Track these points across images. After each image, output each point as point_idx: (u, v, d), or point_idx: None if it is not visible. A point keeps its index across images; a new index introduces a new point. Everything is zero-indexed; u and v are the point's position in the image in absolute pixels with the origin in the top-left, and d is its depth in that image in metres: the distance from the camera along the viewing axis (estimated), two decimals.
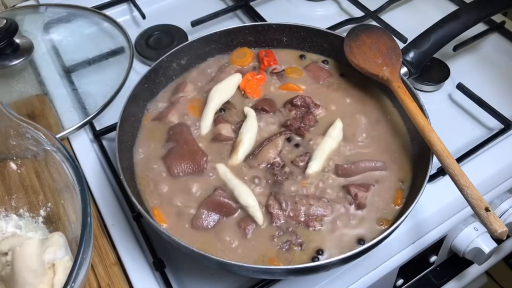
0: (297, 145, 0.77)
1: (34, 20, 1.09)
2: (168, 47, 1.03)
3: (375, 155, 0.76)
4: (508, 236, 0.95)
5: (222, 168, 0.74)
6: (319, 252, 0.67)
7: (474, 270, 1.01)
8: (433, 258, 0.91)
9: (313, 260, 0.66)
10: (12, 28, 0.95)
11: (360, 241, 0.68)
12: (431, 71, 0.96)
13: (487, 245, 0.87)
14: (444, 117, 0.92)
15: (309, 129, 0.79)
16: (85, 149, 0.89)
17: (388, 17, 1.09)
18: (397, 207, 0.71)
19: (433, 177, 0.82)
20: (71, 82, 0.98)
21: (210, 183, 0.73)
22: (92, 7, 1.11)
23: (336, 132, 0.77)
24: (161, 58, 0.85)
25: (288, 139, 0.78)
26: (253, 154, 0.76)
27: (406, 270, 0.87)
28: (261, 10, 1.12)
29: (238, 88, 0.85)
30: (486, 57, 1.04)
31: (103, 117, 0.92)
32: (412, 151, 0.76)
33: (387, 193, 0.72)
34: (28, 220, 0.76)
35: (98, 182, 0.84)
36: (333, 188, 0.72)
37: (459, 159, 0.83)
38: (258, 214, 0.69)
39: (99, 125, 0.91)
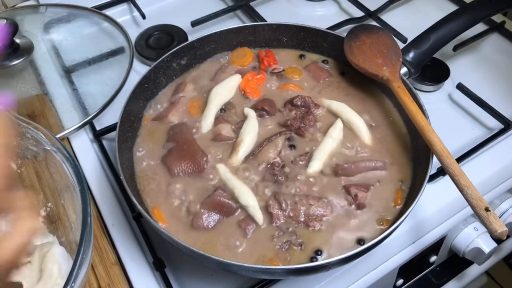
0: (297, 145, 0.77)
1: (34, 20, 1.09)
2: (168, 47, 1.03)
3: (375, 155, 0.76)
4: (508, 236, 0.95)
5: (222, 168, 0.74)
6: (318, 252, 0.67)
7: (474, 270, 1.01)
8: (433, 258, 0.91)
9: (311, 260, 0.66)
10: (12, 28, 0.95)
11: (360, 241, 0.68)
12: (431, 71, 0.96)
13: (487, 245, 0.87)
14: (444, 117, 0.92)
15: (309, 129, 0.79)
16: (85, 149, 0.89)
17: (388, 17, 1.09)
18: (397, 207, 0.71)
19: (433, 177, 0.82)
20: (71, 82, 0.98)
21: (210, 183, 0.73)
22: (92, 7, 1.11)
23: (336, 132, 0.77)
24: (161, 58, 0.85)
25: (288, 139, 0.78)
26: (253, 154, 0.76)
27: (406, 270, 0.87)
28: (261, 10, 1.12)
29: (238, 88, 0.85)
30: (486, 57, 1.04)
31: (103, 117, 0.92)
32: (412, 151, 0.76)
33: (387, 193, 0.72)
34: None
35: (98, 182, 0.84)
36: (333, 188, 0.72)
37: (459, 159, 0.83)
38: (258, 214, 0.69)
39: (99, 125, 0.91)
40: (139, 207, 0.66)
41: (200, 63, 0.90)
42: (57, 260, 0.66)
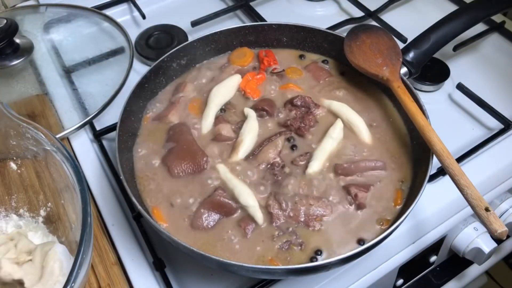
0: (297, 145, 0.77)
1: (34, 20, 1.09)
2: (168, 47, 1.03)
3: (375, 155, 0.76)
4: (508, 236, 0.95)
5: (222, 168, 0.74)
6: (318, 252, 0.67)
7: (474, 270, 1.01)
8: (433, 258, 0.91)
9: (311, 260, 0.66)
10: (12, 28, 0.95)
11: (360, 241, 0.68)
12: (431, 71, 0.96)
13: (487, 245, 0.87)
14: (444, 117, 0.92)
15: (309, 129, 0.79)
16: (85, 149, 0.89)
17: (388, 17, 1.09)
18: (397, 207, 0.71)
19: (433, 177, 0.82)
20: (71, 82, 0.98)
21: (210, 183, 0.73)
22: (92, 7, 1.11)
23: (336, 132, 0.77)
24: (161, 58, 0.85)
25: (288, 139, 0.78)
26: (253, 154, 0.76)
27: (406, 270, 0.87)
28: (261, 10, 1.12)
29: (238, 88, 0.85)
30: (486, 57, 1.04)
31: (103, 117, 0.92)
32: (412, 151, 0.76)
33: (387, 193, 0.72)
34: (28, 220, 0.76)
35: (98, 182, 0.84)
36: (333, 188, 0.72)
37: (459, 159, 0.83)
38: (258, 214, 0.69)
39: (99, 125, 0.91)
40: (139, 207, 0.66)
41: (200, 63, 0.90)
42: (58, 258, 0.66)
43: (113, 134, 0.85)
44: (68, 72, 0.99)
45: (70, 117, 0.92)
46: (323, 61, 0.90)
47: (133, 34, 1.05)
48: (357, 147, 0.77)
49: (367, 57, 0.83)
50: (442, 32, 0.86)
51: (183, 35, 1.07)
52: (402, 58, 0.82)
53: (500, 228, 0.60)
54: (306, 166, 0.74)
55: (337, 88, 0.85)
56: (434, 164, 0.69)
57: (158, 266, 0.73)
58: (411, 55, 0.85)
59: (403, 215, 0.65)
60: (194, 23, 1.06)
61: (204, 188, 0.73)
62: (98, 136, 0.89)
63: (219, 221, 0.70)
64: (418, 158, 0.75)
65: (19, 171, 0.77)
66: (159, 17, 1.12)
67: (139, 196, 0.72)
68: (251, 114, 0.80)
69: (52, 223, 0.75)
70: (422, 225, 0.80)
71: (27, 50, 1.00)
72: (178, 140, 0.78)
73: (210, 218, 0.70)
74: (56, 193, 0.74)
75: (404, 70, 0.83)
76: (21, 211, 0.76)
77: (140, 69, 1.01)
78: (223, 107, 0.83)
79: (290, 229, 0.69)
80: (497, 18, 1.07)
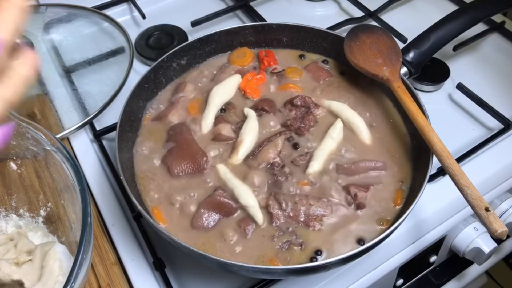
0: (297, 145, 0.77)
1: (34, 20, 1.09)
2: (168, 47, 1.03)
3: (375, 155, 0.76)
4: (508, 236, 0.95)
5: (222, 168, 0.74)
6: (318, 252, 0.67)
7: (474, 270, 1.01)
8: (433, 258, 0.91)
9: (311, 260, 0.66)
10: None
11: (360, 241, 0.68)
12: (431, 71, 0.96)
13: (487, 245, 0.87)
14: (444, 117, 0.92)
15: (309, 129, 0.79)
16: (85, 149, 0.89)
17: (388, 17, 1.09)
18: (397, 207, 0.71)
19: (433, 177, 0.82)
20: (71, 82, 0.98)
21: (210, 183, 0.73)
22: (92, 7, 1.11)
23: (336, 132, 0.77)
24: (161, 58, 0.85)
25: (288, 139, 0.78)
26: (253, 154, 0.76)
27: (406, 270, 0.87)
28: (261, 10, 1.12)
29: (238, 88, 0.85)
30: (486, 57, 1.04)
31: (103, 117, 0.92)
32: (412, 151, 0.76)
33: (387, 193, 0.72)
34: (28, 220, 0.76)
35: (98, 182, 0.84)
36: (333, 188, 0.72)
37: (459, 159, 0.83)
38: (258, 214, 0.69)
39: (99, 125, 0.91)
40: (139, 207, 0.66)
41: (200, 63, 0.90)
42: (58, 257, 0.66)
43: (113, 134, 0.85)
44: (68, 72, 0.99)
45: (70, 117, 0.92)
46: (323, 61, 0.90)
47: (133, 34, 1.05)
48: (357, 147, 0.77)
49: (367, 57, 0.83)
50: (442, 32, 0.86)
51: (183, 35, 1.07)
52: (402, 58, 0.82)
53: (500, 228, 0.60)
54: (306, 166, 0.74)
55: (337, 88, 0.85)
56: (434, 164, 0.69)
57: (158, 266, 0.73)
58: (411, 55, 0.85)
59: (403, 215, 0.65)
60: (194, 23, 1.06)
61: (204, 188, 0.73)
62: (98, 136, 0.89)
63: (219, 221, 0.70)
64: (418, 158, 0.75)
65: (19, 171, 0.77)
66: (159, 17, 1.12)
67: (139, 196, 0.72)
68: (251, 114, 0.80)
69: (52, 223, 0.75)
70: (422, 225, 0.80)
71: None
72: (178, 140, 0.78)
73: (210, 218, 0.70)
74: (56, 193, 0.74)
75: (404, 70, 0.83)
76: (21, 211, 0.76)
77: (140, 69, 1.01)
78: (223, 107, 0.83)
79: (290, 229, 0.69)
80: (497, 18, 1.07)
